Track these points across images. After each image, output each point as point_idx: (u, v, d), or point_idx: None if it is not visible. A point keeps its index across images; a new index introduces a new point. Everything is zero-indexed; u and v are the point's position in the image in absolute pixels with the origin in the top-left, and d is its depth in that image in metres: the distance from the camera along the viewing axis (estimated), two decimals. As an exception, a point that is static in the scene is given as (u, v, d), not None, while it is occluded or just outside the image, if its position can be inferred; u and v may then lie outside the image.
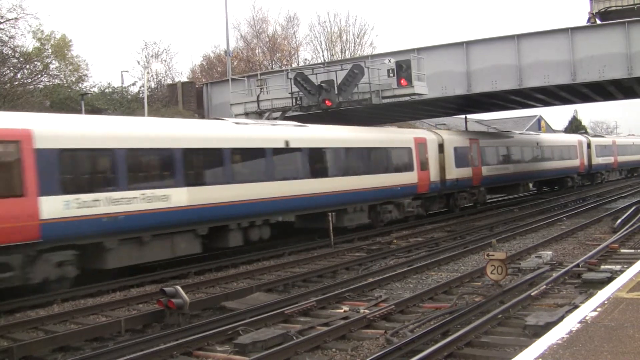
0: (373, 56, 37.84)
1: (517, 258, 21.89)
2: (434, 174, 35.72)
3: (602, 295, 11.64)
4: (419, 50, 35.23)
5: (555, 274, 18.35)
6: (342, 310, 16.06)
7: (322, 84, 31.78)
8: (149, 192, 20.95)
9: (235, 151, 24.70)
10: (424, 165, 34.81)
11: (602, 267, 19.18)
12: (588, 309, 10.64)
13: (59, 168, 18.75)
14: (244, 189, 24.41)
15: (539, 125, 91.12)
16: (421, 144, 35.08)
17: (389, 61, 31.87)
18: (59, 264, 18.89)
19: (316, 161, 28.52)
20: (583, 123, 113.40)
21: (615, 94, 41.08)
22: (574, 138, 60.41)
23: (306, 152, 27.89)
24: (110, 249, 20.13)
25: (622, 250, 22.39)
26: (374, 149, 31.64)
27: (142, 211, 20.68)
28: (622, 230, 27.01)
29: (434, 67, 34.46)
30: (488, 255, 17.55)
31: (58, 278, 18.93)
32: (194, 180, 22.71)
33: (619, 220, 30.18)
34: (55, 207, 18.37)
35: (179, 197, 21.92)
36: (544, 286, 16.79)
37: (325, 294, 17.57)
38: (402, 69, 30.73)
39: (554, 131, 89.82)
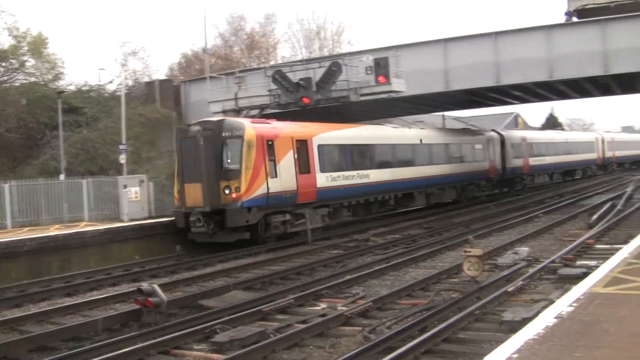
0: (351, 54, 37.75)
1: (494, 254, 21.94)
2: (498, 164, 47.74)
3: (578, 290, 11.69)
4: (398, 47, 35.15)
5: (531, 270, 18.43)
6: (319, 308, 16.07)
7: (300, 82, 31.67)
8: (361, 172, 32.35)
9: (396, 146, 36.07)
10: (492, 157, 47.07)
11: (578, 262, 19.31)
12: (564, 304, 10.68)
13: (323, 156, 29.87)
14: (401, 172, 35.51)
15: (516, 122, 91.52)
16: (490, 140, 47.55)
17: (367, 58, 31.82)
18: (322, 216, 29.74)
19: (437, 153, 39.96)
20: (560, 120, 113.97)
21: (592, 91, 41.30)
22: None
23: (431, 147, 39.65)
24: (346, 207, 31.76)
25: (598, 246, 22.50)
26: (464, 144, 43.98)
27: (357, 184, 31.86)
28: (597, 226, 27.21)
29: (412, 64, 34.39)
30: (465, 251, 17.65)
31: (322, 225, 29.76)
32: (378, 165, 34.08)
33: (595, 216, 30.40)
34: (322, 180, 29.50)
35: (372, 176, 33.05)
36: (521, 282, 16.86)
37: (302, 291, 17.56)
38: (380, 67, 30.68)
39: (530, 128, 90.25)
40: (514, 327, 11.74)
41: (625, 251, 16.04)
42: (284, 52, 66.55)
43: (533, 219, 32.74)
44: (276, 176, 26.85)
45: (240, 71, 39.61)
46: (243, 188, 25.73)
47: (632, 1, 36.82)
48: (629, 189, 46.35)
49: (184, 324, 14.56)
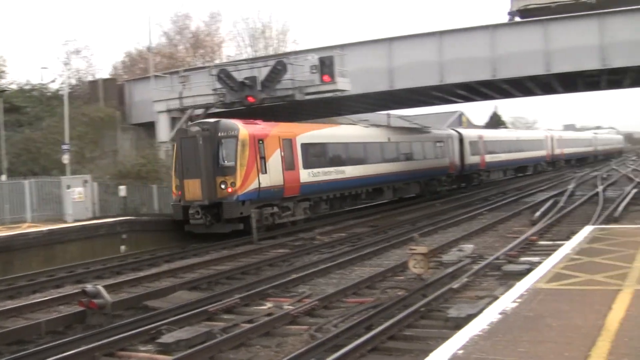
0: (296, 53, 37.74)
1: (439, 252, 22.08)
2: (457, 160, 50.91)
3: (522, 286, 11.83)
4: (343, 46, 35.26)
5: (476, 267, 18.62)
6: (266, 307, 16.01)
7: (245, 81, 31.60)
8: (337, 169, 34.65)
9: (367, 144, 38.47)
10: (452, 154, 50.07)
11: (522, 259, 19.54)
12: (508, 300, 10.80)
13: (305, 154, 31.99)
14: (372, 168, 37.89)
15: (460, 120, 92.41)
16: (450, 138, 50.67)
17: (312, 57, 31.86)
18: (304, 209, 32.06)
19: (403, 150, 42.85)
20: (503, 118, 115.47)
21: (534, 90, 41.93)
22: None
23: (398, 144, 42.42)
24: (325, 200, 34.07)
25: (541, 242, 22.82)
26: (426, 142, 46.84)
27: (334, 179, 34.14)
28: (540, 223, 27.63)
29: (357, 63, 34.52)
30: (410, 249, 17.72)
31: (304, 217, 32.11)
32: (352, 162, 36.22)
33: (538, 213, 30.89)
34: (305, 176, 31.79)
35: (347, 172, 35.41)
36: (466, 279, 17.02)
37: (249, 291, 17.48)
38: (325, 65, 30.75)
39: (474, 126, 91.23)
40: (459, 323, 11.83)
41: (567, 247, 16.27)
42: (229, 51, 66.21)
43: (477, 217, 33.10)
44: (266, 172, 29.16)
45: (185, 70, 39.39)
46: (238, 183, 28.02)
47: (573, 2, 37.47)
48: (570, 186, 47.18)
49: (130, 325, 14.38)
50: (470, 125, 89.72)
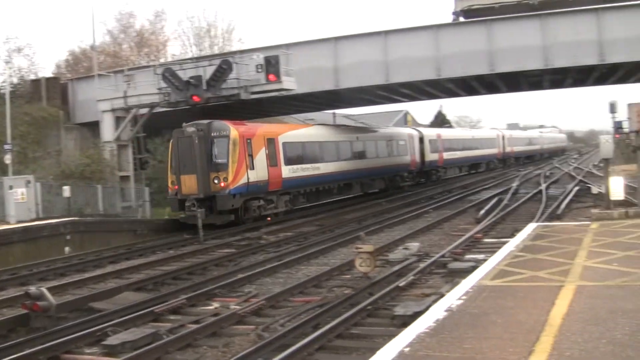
0: (242, 52, 37.62)
1: (385, 250, 22.23)
2: (418, 158, 54.89)
3: (467, 283, 11.97)
4: (288, 45, 35.24)
5: (422, 265, 18.78)
6: (212, 307, 15.96)
7: (190, 80, 31.41)
8: (314, 165, 38.13)
9: (339, 143, 42.13)
10: (413, 152, 53.91)
11: (467, 256, 19.80)
12: (454, 297, 10.91)
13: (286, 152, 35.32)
14: (342, 165, 41.52)
15: (405, 119, 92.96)
16: (411, 137, 54.37)
17: (258, 57, 31.77)
18: (285, 201, 35.45)
19: (370, 148, 46.45)
20: (448, 117, 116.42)
21: (479, 89, 42.33)
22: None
23: (365, 143, 46.09)
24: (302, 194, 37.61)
25: (486, 240, 23.15)
26: (391, 141, 50.09)
27: (311, 175, 37.57)
28: (485, 221, 27.98)
29: (303, 62, 34.52)
30: (357, 248, 17.77)
31: (286, 209, 35.55)
32: (326, 159, 39.62)
33: (482, 211, 31.28)
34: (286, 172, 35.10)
35: (322, 168, 38.82)
36: (412, 277, 17.15)
37: (195, 291, 17.38)
38: (271, 65, 30.68)
39: (420, 125, 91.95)
40: (406, 321, 11.91)
41: (511, 244, 16.52)
42: (174, 50, 65.71)
43: (423, 215, 33.38)
44: (253, 168, 32.30)
45: (130, 69, 39.00)
46: (230, 178, 31.06)
47: (516, 2, 37.94)
48: (514, 184, 47.87)
49: (75, 328, 14.17)
50: (415, 124, 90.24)
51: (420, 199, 42.50)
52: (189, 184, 30.96)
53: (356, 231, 26.95)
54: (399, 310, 13.45)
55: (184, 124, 31.77)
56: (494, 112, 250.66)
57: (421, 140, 56.53)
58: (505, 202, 35.15)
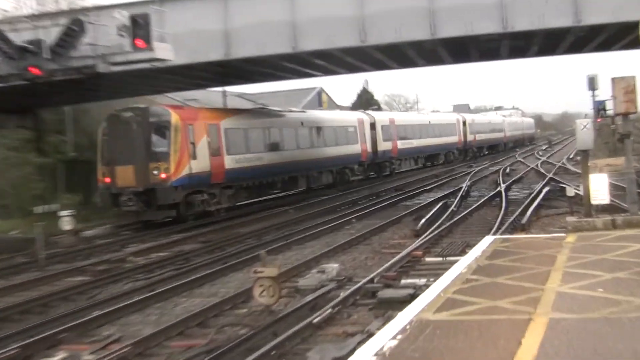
0: (99, 8, 36.82)
1: (294, 274, 22.25)
2: (369, 147, 60.38)
3: (404, 318, 11.88)
4: (163, 1, 34.74)
5: (343, 293, 18.71)
6: (57, 359, 15.61)
7: (27, 45, 30.66)
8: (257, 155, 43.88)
9: (284, 129, 48.25)
10: (364, 140, 59.32)
11: (403, 281, 19.78)
12: (386, 337, 10.80)
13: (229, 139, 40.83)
14: (287, 154, 47.13)
15: (320, 99, 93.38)
16: (361, 122, 59.95)
17: (121, 15, 31.19)
18: (228, 196, 41.01)
19: (315, 136, 52.03)
20: (376, 97, 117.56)
21: (416, 60, 42.53)
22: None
23: (311, 130, 51.85)
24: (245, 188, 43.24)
25: (428, 259, 23.27)
26: (338, 127, 55.81)
27: (254, 166, 42.97)
28: (426, 234, 28.08)
29: (182, 24, 33.95)
30: (256, 272, 17.64)
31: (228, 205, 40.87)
32: (270, 148, 45.84)
33: (423, 220, 31.36)
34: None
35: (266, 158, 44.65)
36: (330, 310, 17.04)
37: (33, 336, 16.93)
38: (139, 26, 30.05)
39: (339, 107, 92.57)
40: (322, 371, 11.79)
41: (461, 264, 16.55)
42: (4, 4, 64.43)
43: (344, 226, 33.50)
44: (195, 158, 36.62)
45: None
46: (172, 169, 35.21)
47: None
48: (464, 184, 48.35)
49: None
50: (333, 106, 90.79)
51: (338, 206, 42.65)
52: (125, 175, 35.25)
53: (255, 249, 26.91)
54: (314, 357, 13.34)
55: (117, 109, 35.70)
56: (435, 90, 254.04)
57: (372, 126, 60.80)
58: (452, 207, 35.49)
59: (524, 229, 27.61)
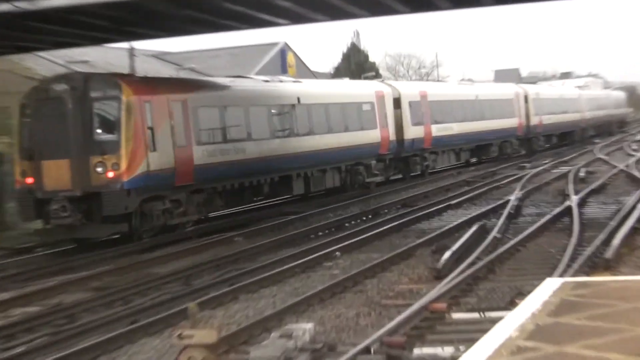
0: None
1: (244, 340, 22.05)
2: (392, 134, 62.04)
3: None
4: None
5: (321, 373, 18.56)
6: None
7: None
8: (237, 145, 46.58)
9: (272, 107, 51.08)
10: (384, 123, 60.79)
11: (417, 351, 19.60)
12: None
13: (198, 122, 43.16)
14: (277, 144, 49.87)
15: (284, 59, 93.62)
16: (381, 97, 61.01)
17: None
18: (198, 204, 43.22)
19: (318, 117, 54.38)
20: (372, 58, 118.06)
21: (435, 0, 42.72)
22: None
23: (310, 108, 53.53)
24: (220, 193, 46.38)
25: (455, 315, 23.03)
26: (349, 104, 57.05)
27: (233, 161, 45.60)
28: (453, 275, 27.86)
29: None
30: (181, 336, 17.44)
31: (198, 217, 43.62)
32: (254, 136, 48.17)
33: (447, 254, 31.12)
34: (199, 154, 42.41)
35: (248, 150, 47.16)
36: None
37: None
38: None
39: (316, 74, 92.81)
40: None
41: (509, 324, 16.33)
42: None
43: (322, 262, 33.26)
44: (155, 150, 38.02)
45: None
46: (124, 165, 36.51)
47: None
48: (512, 196, 48.16)
49: None
50: (305, 72, 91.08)
51: (314, 230, 42.63)
52: (57, 174, 35.87)
53: (180, 300, 26.71)
54: None
55: (44, 78, 36.41)
56: (462, 50, 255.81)
57: (397, 102, 60.00)
58: (494, 233, 35.33)
59: (609, 266, 27.51)
